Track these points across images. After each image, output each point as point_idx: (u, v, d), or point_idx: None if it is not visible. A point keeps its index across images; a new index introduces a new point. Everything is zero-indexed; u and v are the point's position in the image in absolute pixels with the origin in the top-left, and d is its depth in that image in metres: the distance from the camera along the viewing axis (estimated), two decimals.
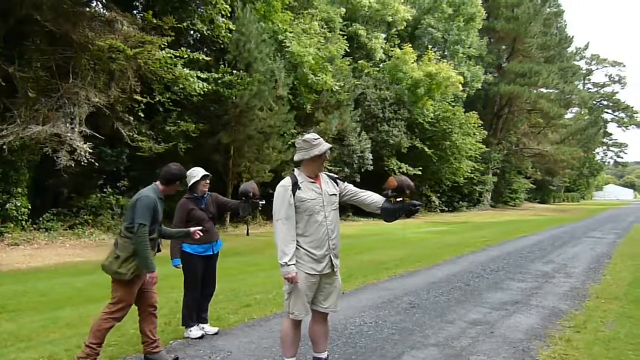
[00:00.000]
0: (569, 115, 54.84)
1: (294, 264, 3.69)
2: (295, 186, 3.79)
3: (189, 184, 5.22)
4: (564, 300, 6.99)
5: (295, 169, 3.97)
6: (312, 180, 3.88)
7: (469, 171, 32.74)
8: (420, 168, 27.59)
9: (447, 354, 4.66)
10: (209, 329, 5.24)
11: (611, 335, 5.27)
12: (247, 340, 5.06)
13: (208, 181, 5.27)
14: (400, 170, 26.78)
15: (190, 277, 5.13)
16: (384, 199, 4.01)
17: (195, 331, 5.09)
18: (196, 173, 5.21)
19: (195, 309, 5.17)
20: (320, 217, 3.81)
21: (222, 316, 5.92)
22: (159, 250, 4.57)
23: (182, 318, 5.17)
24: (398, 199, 3.95)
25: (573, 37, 54.74)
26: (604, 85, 73.10)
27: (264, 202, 5.47)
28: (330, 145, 4.01)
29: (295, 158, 3.91)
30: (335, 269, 3.90)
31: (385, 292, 7.47)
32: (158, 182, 4.36)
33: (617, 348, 4.84)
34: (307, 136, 3.91)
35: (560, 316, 6.09)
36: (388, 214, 3.97)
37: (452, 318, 5.97)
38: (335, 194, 3.97)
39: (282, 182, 3.85)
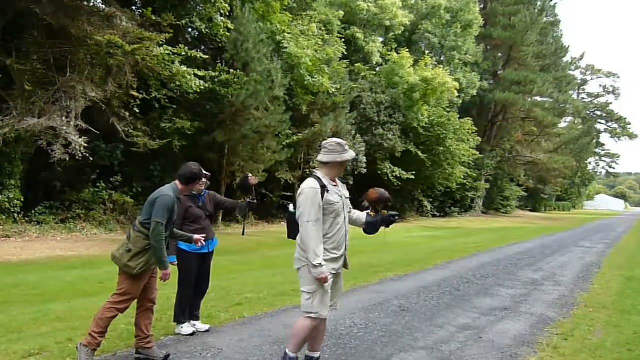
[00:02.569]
0: (562, 125, 55.08)
1: (325, 265, 3.76)
2: (324, 189, 3.85)
3: None
4: (552, 308, 7.07)
5: (317, 172, 4.00)
6: (335, 184, 4.00)
7: (462, 177, 32.84)
8: (414, 172, 27.68)
9: (436, 358, 4.72)
10: (200, 326, 5.27)
11: (598, 343, 5.34)
12: (237, 338, 5.09)
13: (204, 180, 5.31)
14: (394, 174, 26.85)
15: (185, 274, 5.15)
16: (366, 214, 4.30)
17: (186, 328, 5.12)
18: None
19: (187, 306, 5.20)
20: (341, 219, 3.93)
21: (213, 314, 5.95)
22: (168, 248, 4.63)
23: (174, 314, 5.19)
24: (377, 212, 4.29)
25: (569, 47, 54.97)
26: (598, 96, 73.69)
27: (258, 202, 5.51)
28: (355, 153, 4.17)
29: (325, 159, 3.95)
30: (345, 267, 4.08)
31: (375, 295, 7.52)
32: (177, 182, 4.40)
33: (603, 356, 4.92)
34: (339, 140, 4.02)
35: (548, 323, 6.16)
36: (370, 227, 4.28)
37: (441, 322, 6.04)
38: (349, 198, 4.14)
39: (309, 184, 3.86)
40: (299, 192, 3.87)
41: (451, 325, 5.93)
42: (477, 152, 34.67)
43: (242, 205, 5.36)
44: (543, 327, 5.96)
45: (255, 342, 4.97)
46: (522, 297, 7.79)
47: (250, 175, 5.49)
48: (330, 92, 21.95)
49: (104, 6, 13.32)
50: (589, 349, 5.14)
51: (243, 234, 6.43)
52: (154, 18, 14.29)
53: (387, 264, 10.91)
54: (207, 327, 5.31)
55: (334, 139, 4.03)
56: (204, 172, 5.31)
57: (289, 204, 3.97)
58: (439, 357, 4.75)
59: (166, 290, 6.10)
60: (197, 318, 5.32)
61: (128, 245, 4.14)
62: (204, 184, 5.31)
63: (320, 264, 3.71)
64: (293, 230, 4.06)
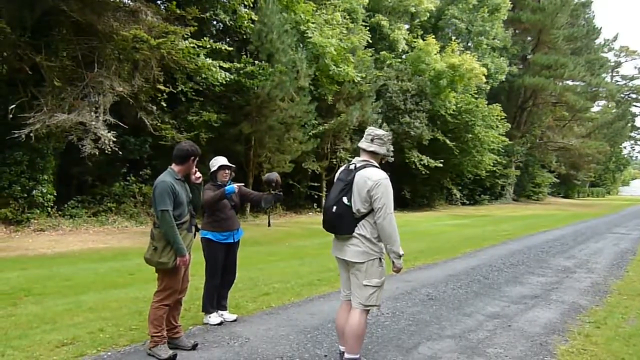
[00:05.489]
0: (595, 109, 53.53)
1: None
2: None
3: (210, 172, 5.33)
4: (584, 296, 6.93)
5: (373, 162, 3.93)
6: None
7: (491, 164, 32.26)
8: (442, 160, 27.32)
9: (463, 346, 4.67)
10: (227, 316, 5.33)
11: (632, 331, 5.22)
12: (264, 327, 5.13)
13: (228, 171, 5.33)
14: (422, 163, 26.56)
15: (211, 264, 5.21)
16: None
17: (214, 318, 5.19)
18: (216, 163, 5.31)
19: (215, 296, 5.26)
20: None
21: (241, 304, 6.01)
22: (197, 230, 4.62)
23: (202, 304, 5.26)
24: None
25: (601, 28, 53.25)
26: (633, 78, 71.30)
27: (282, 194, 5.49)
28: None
29: (382, 151, 3.94)
30: None
31: (403, 284, 7.48)
32: (173, 165, 4.37)
33: (637, 345, 4.80)
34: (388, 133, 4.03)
35: (580, 311, 6.04)
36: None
37: (469, 311, 5.97)
38: None
39: (384, 175, 3.79)
40: (374, 183, 3.71)
41: (480, 313, 5.86)
42: (507, 139, 33.98)
43: (268, 198, 5.35)
44: (575, 315, 5.85)
45: (282, 332, 5.00)
46: (553, 285, 7.65)
47: (276, 175, 5.45)
48: (356, 81, 21.81)
49: (129, 1, 13.45)
50: (622, 337, 5.02)
51: (269, 226, 6.42)
52: (178, 11, 14.37)
53: (415, 253, 10.82)
54: (234, 316, 5.36)
55: (385, 132, 4.00)
56: (228, 163, 5.34)
57: (342, 198, 3.84)
58: (467, 345, 4.70)
59: (195, 280, 6.16)
60: (224, 308, 5.38)
61: (153, 244, 4.15)
62: (228, 174, 5.34)
63: (403, 254, 3.78)
64: (348, 225, 3.82)
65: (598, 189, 78.61)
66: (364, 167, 3.85)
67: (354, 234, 3.80)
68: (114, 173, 15.78)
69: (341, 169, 4.08)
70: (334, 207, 3.83)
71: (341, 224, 3.83)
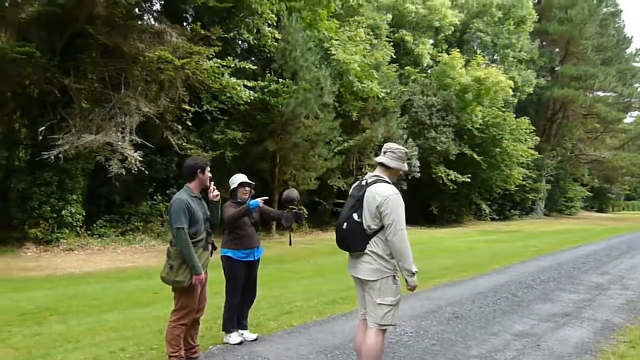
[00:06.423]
0: (628, 120, 52.26)
1: None
2: None
3: (230, 190, 5.31)
4: (618, 314, 6.65)
5: (384, 176, 3.82)
6: None
7: (521, 178, 31.72)
8: (470, 175, 26.99)
9: None
10: (248, 335, 5.26)
11: None
12: (284, 347, 5.05)
13: (247, 189, 5.31)
14: (449, 178, 26.28)
15: (232, 282, 5.17)
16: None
17: (234, 337, 5.12)
18: (236, 180, 5.29)
19: (235, 314, 5.21)
20: None
21: (262, 322, 5.94)
22: (214, 248, 4.60)
23: (222, 323, 5.21)
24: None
25: (632, 37, 52.25)
26: None
27: (305, 212, 5.43)
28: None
29: (393, 165, 3.82)
30: None
31: (428, 302, 7.32)
32: (187, 182, 4.39)
33: None
34: (406, 149, 3.96)
35: (614, 330, 5.79)
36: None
37: (496, 329, 5.78)
38: None
39: (394, 190, 3.69)
40: (384, 198, 3.60)
41: (507, 332, 5.66)
42: (536, 152, 33.39)
43: (288, 216, 5.26)
44: (608, 334, 5.60)
45: (302, 351, 4.91)
46: (585, 302, 7.37)
47: (296, 193, 5.39)
48: (380, 96, 21.81)
49: (155, 23, 13.75)
50: None
51: (290, 244, 6.35)
52: (202, 32, 14.64)
53: (441, 270, 10.62)
54: (255, 336, 5.29)
55: (401, 147, 3.91)
56: (248, 180, 5.32)
57: (353, 214, 3.78)
58: None
59: (216, 299, 6.15)
60: (245, 327, 5.32)
61: (169, 262, 4.13)
62: (247, 192, 5.31)
63: (416, 271, 3.64)
64: (359, 242, 3.72)
65: (634, 202, 76.58)
66: (374, 182, 3.76)
67: (366, 251, 3.69)
68: (141, 192, 16.01)
69: (354, 185, 4.01)
70: (345, 224, 3.76)
71: (353, 241, 3.75)
